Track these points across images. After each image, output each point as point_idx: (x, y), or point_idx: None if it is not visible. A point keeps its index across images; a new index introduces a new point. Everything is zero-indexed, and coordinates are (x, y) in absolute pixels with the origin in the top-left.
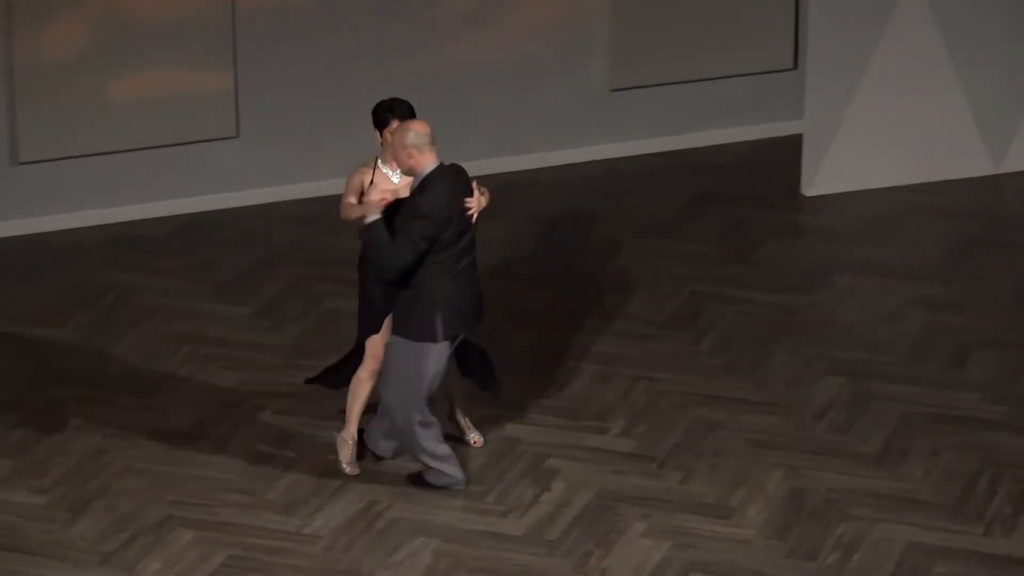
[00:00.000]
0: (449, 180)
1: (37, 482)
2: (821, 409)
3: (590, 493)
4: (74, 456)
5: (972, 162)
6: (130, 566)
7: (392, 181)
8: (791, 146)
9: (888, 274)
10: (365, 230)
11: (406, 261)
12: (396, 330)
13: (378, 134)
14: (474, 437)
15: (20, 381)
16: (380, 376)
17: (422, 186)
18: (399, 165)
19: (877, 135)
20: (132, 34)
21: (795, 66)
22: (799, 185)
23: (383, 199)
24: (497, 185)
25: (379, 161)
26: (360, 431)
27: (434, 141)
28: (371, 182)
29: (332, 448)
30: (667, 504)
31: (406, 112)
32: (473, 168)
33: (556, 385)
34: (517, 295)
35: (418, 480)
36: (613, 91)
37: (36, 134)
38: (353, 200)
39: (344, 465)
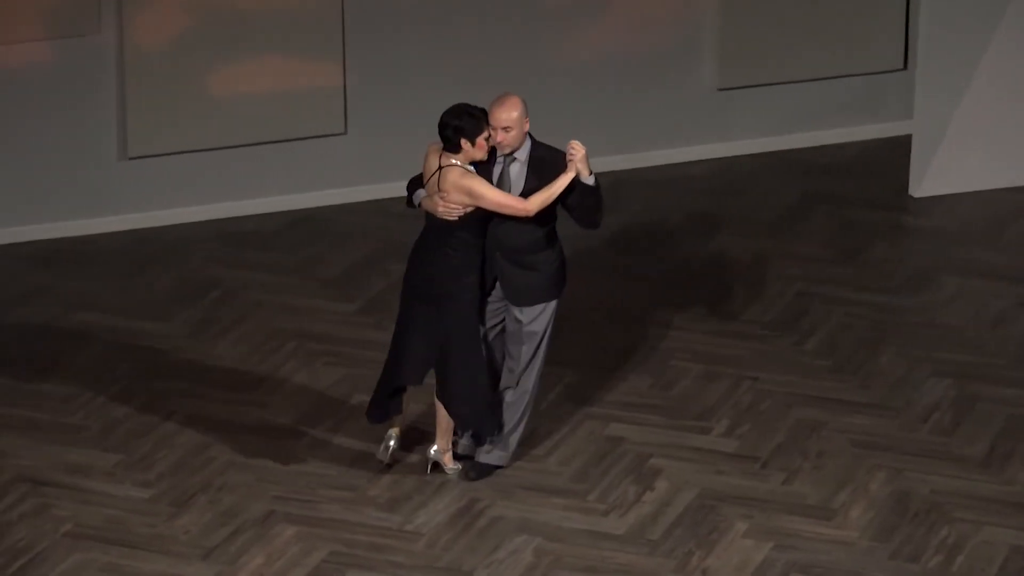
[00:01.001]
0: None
1: (141, 476)
2: (926, 411)
3: (692, 493)
4: (178, 450)
5: None
6: (232, 560)
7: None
8: (900, 147)
9: (996, 276)
10: (593, 190)
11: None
12: (540, 299)
13: (467, 143)
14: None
15: (126, 376)
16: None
17: (540, 147)
18: (515, 143)
19: (986, 136)
20: (241, 29)
21: (905, 66)
22: (908, 186)
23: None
24: (607, 183)
25: (466, 165)
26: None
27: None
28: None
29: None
30: (769, 505)
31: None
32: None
33: (660, 384)
34: (622, 292)
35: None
36: (721, 90)
37: (145, 129)
38: (514, 198)
39: (451, 469)
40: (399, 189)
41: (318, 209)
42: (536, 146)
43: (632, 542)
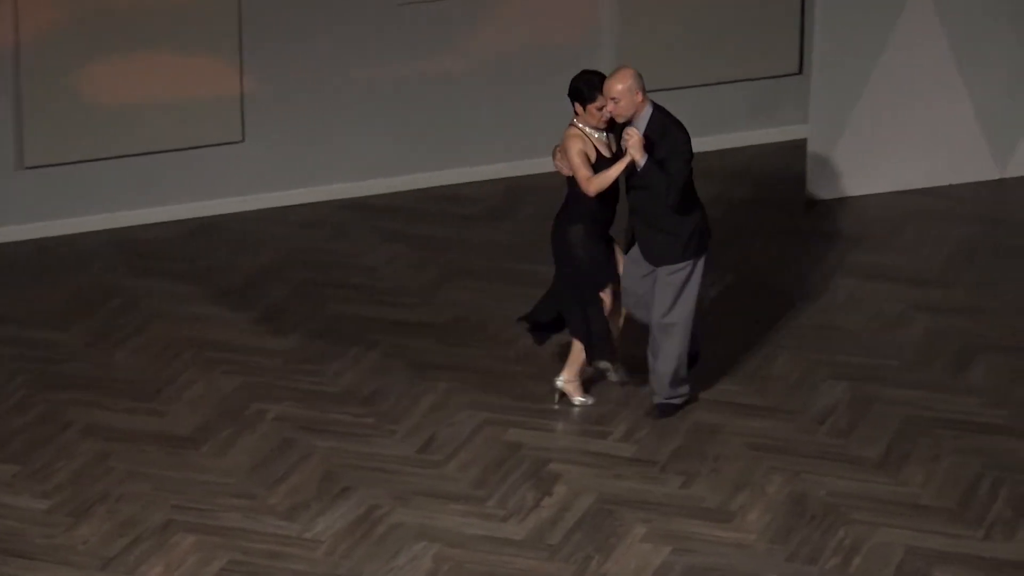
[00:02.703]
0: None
1: (39, 487)
2: (823, 413)
3: (591, 498)
4: (77, 461)
5: (977, 166)
6: (131, 570)
7: (604, 140)
8: (797, 151)
9: (892, 278)
10: (648, 170)
11: (684, 188)
12: (669, 259)
13: (580, 107)
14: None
15: (24, 385)
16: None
17: (659, 124)
18: (626, 113)
19: (882, 139)
20: (137, 37)
21: (800, 71)
22: (804, 190)
23: (642, 140)
24: (508, 188)
25: (585, 128)
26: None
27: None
28: (597, 146)
29: (334, 452)
30: (668, 508)
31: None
32: (475, 172)
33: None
34: (523, 299)
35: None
36: None
37: (41, 138)
38: (588, 171)
39: (580, 399)
40: (298, 196)
41: (217, 217)
42: (654, 117)
43: (531, 547)
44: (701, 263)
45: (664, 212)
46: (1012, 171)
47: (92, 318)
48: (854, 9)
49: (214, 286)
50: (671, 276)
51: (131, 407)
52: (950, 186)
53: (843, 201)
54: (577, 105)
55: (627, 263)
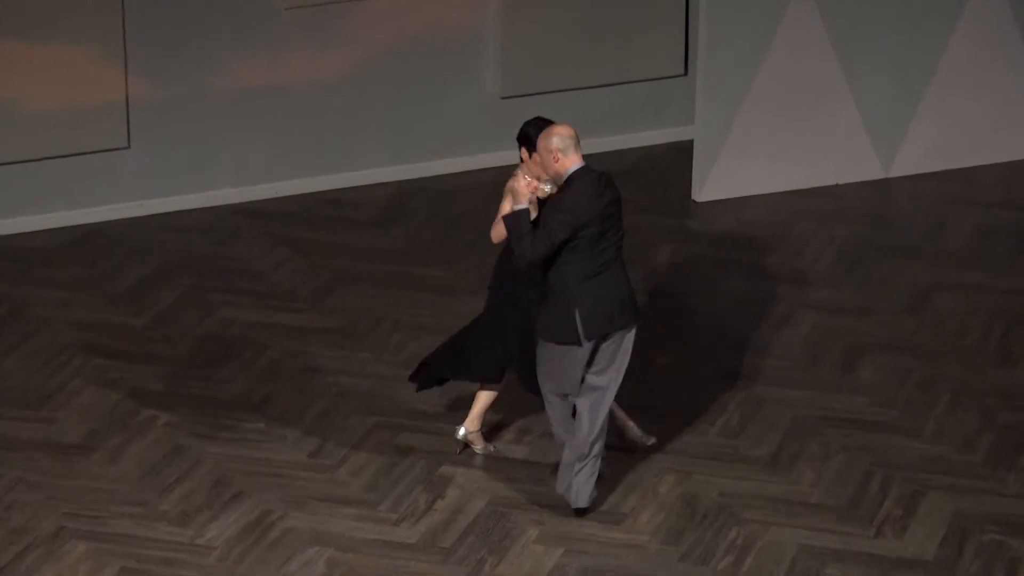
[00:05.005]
0: (593, 180)
1: None
2: (713, 414)
3: (483, 500)
4: None
5: (862, 167)
6: None
7: (545, 191)
8: (682, 152)
9: (779, 279)
10: (511, 216)
11: (539, 253)
12: (541, 334)
13: (524, 152)
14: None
15: None
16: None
17: (566, 185)
18: (547, 171)
19: (767, 141)
20: (19, 41)
21: (686, 72)
22: (690, 191)
23: (531, 185)
24: (393, 192)
25: (525, 177)
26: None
27: (578, 144)
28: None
29: (226, 458)
30: (560, 510)
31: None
32: (365, 176)
33: (448, 392)
34: (409, 303)
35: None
36: (504, 99)
37: None
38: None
39: (481, 449)
40: (184, 203)
41: (103, 224)
42: (576, 173)
43: (424, 550)
44: (575, 356)
45: (551, 279)
46: (896, 171)
47: None
48: (738, 11)
49: (101, 293)
50: (541, 351)
51: (20, 415)
52: (836, 186)
53: (730, 202)
54: (523, 151)
55: None
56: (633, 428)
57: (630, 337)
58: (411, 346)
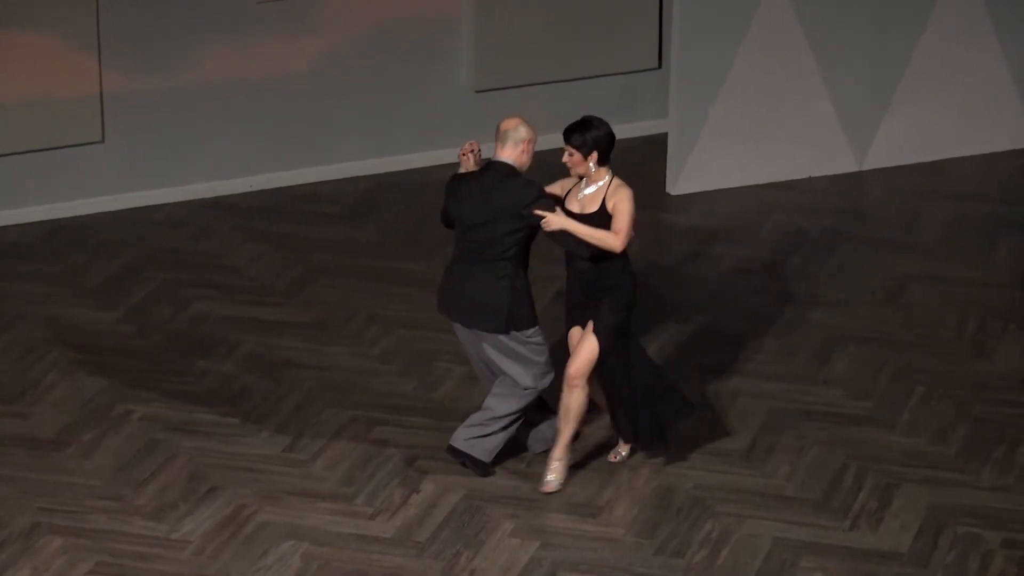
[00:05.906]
0: (476, 174)
1: None
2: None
3: (459, 494)
4: None
5: (836, 160)
6: None
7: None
8: (656, 145)
9: (753, 271)
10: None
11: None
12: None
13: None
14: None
15: None
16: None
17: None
18: (521, 163)
19: (741, 133)
20: None
21: (660, 66)
22: (664, 184)
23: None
24: (367, 186)
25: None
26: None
27: (500, 138)
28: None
29: (201, 452)
30: (535, 504)
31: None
32: (339, 170)
33: (424, 386)
34: (384, 298)
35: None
36: (478, 92)
37: None
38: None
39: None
40: (158, 197)
41: (77, 218)
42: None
43: (400, 544)
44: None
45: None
46: (870, 164)
47: None
48: (712, 5)
49: (76, 287)
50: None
51: None
52: (809, 179)
53: (703, 195)
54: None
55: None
56: (617, 449)
57: (495, 346)
58: (386, 340)
